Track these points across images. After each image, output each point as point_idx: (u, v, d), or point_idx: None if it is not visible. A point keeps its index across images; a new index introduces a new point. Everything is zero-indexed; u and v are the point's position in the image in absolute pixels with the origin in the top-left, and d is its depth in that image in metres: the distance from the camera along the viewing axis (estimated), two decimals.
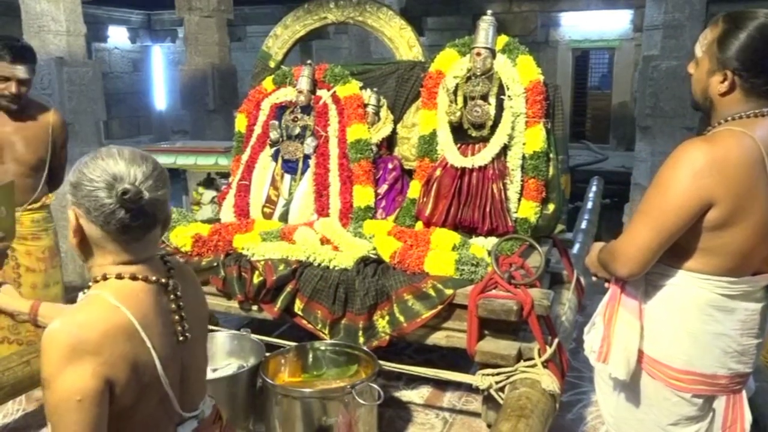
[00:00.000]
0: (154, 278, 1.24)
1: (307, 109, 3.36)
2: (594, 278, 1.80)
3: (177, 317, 1.27)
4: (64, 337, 1.11)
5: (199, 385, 1.40)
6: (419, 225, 3.04)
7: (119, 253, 1.23)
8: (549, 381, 2.35)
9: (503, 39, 3.04)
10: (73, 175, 1.20)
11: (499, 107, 2.91)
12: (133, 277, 1.22)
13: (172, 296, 1.27)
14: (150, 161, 1.23)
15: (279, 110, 3.44)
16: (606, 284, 1.75)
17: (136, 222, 1.19)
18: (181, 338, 1.27)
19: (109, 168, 1.18)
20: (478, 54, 2.95)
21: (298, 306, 2.72)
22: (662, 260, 1.56)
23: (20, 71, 2.73)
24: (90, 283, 1.25)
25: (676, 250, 1.53)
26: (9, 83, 2.73)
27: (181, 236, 3.01)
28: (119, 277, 1.22)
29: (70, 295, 3.12)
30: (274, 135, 3.37)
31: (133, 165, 1.19)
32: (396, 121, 3.36)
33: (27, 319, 1.75)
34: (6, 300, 1.80)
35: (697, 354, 1.57)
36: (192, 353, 1.34)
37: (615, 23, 12.11)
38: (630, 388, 1.67)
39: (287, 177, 3.35)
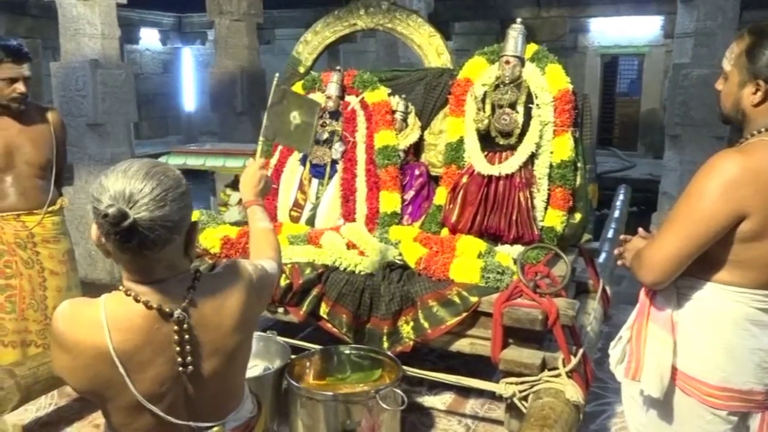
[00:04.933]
0: (155, 305, 1.21)
1: (335, 115, 3.39)
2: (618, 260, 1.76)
3: (178, 348, 1.23)
4: (56, 322, 1.22)
5: (217, 406, 1.37)
6: (445, 232, 3.06)
7: (128, 270, 1.23)
8: (573, 391, 2.34)
9: (532, 47, 3.04)
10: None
11: (527, 116, 2.91)
12: (136, 299, 1.21)
13: (175, 327, 1.22)
14: (155, 179, 1.18)
15: None
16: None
17: (128, 243, 1.16)
18: (181, 369, 1.24)
19: (108, 186, 1.17)
20: (507, 62, 2.95)
21: (323, 309, 2.75)
22: (696, 273, 1.55)
23: (26, 69, 2.72)
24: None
25: (710, 263, 1.52)
26: (17, 84, 2.71)
27: (209, 238, 3.06)
28: (127, 293, 1.22)
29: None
30: None
31: (131, 183, 1.16)
32: (423, 128, 3.38)
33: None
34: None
35: (733, 369, 1.54)
36: (201, 381, 1.29)
37: (645, 29, 11.95)
38: (661, 404, 1.63)
39: (315, 181, 3.39)
